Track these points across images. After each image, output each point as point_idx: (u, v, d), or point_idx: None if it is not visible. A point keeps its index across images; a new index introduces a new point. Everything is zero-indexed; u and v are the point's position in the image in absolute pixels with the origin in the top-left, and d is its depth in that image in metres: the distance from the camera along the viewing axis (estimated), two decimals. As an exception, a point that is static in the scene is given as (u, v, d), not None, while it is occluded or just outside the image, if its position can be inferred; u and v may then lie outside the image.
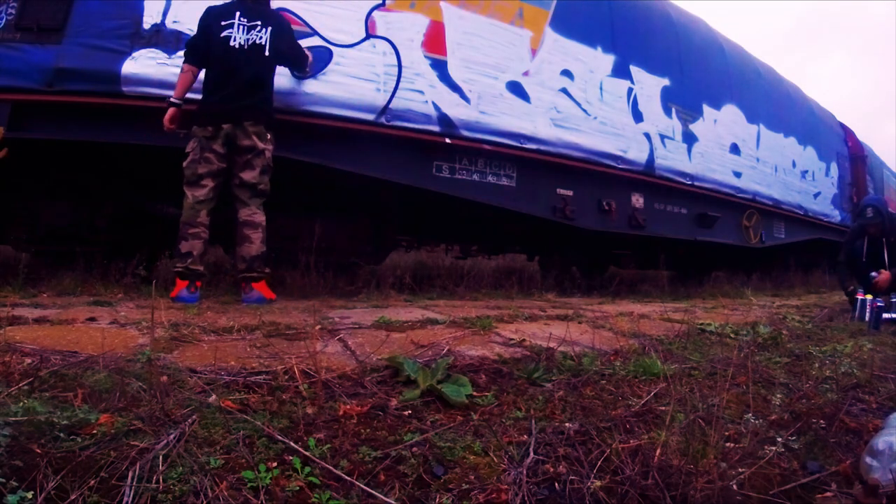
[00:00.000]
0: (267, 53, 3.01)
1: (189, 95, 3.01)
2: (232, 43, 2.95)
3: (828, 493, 1.18)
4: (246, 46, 2.97)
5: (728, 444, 1.26)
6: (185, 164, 2.94)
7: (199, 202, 2.91)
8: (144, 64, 3.10)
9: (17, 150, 2.97)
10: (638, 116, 5.17)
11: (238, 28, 2.98)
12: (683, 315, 3.04)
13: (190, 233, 2.89)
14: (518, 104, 4.25)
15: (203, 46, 2.97)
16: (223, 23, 2.97)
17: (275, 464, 1.08)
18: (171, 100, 2.95)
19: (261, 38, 3.00)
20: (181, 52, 3.15)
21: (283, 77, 3.33)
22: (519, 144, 4.25)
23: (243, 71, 2.96)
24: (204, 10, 3.03)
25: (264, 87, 3.05)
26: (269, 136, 3.03)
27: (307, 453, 1.12)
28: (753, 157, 6.62)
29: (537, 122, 4.35)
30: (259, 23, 3.01)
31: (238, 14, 3.00)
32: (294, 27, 3.41)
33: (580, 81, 4.68)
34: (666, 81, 5.45)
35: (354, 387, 1.51)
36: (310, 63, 3.31)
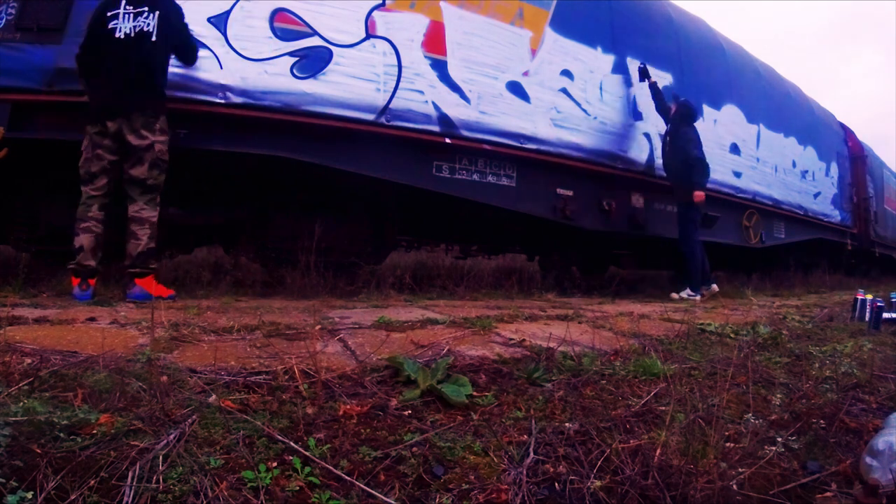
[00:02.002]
0: (154, 39, 2.88)
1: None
2: (117, 34, 2.85)
3: (828, 493, 1.18)
4: (132, 35, 2.86)
5: (728, 444, 1.26)
6: (80, 163, 2.89)
7: (91, 197, 2.88)
8: (144, 64, 3.10)
9: (18, 150, 2.97)
10: (638, 116, 5.17)
11: (123, 17, 2.86)
12: (683, 315, 3.04)
13: (81, 227, 2.85)
14: (518, 104, 4.25)
15: (93, 53, 2.89)
16: (109, 14, 2.87)
17: (275, 464, 1.08)
18: None
19: (148, 24, 2.87)
20: (181, 52, 3.15)
21: (281, 77, 3.33)
22: (519, 144, 4.25)
23: (129, 62, 2.86)
24: (95, 8, 2.93)
25: (153, 76, 2.93)
26: (157, 127, 2.91)
27: (307, 453, 1.12)
28: (753, 157, 6.62)
29: (537, 122, 4.35)
30: (146, 8, 2.89)
31: (123, 2, 2.89)
32: (294, 27, 3.41)
33: (580, 81, 4.68)
34: (666, 81, 5.45)
35: (354, 387, 1.51)
36: (198, 56, 3.14)
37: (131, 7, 2.89)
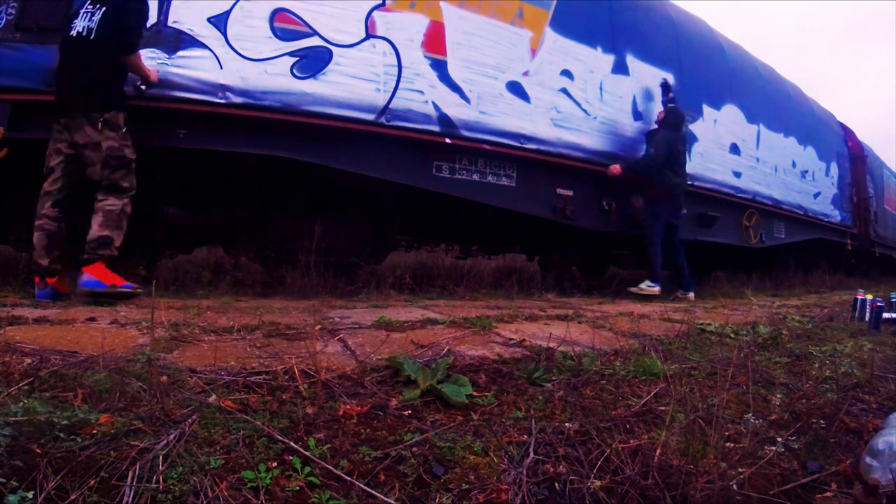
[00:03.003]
0: (93, 37, 2.81)
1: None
2: (72, 33, 2.84)
3: (828, 493, 1.18)
4: (84, 33, 2.82)
5: (728, 444, 1.26)
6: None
7: (45, 193, 2.82)
8: (144, 64, 3.10)
9: (18, 150, 2.97)
10: (638, 116, 5.17)
11: (82, 16, 2.85)
12: (683, 315, 3.04)
13: (35, 224, 2.81)
14: (518, 104, 4.25)
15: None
16: (71, 12, 2.90)
17: (275, 464, 1.08)
18: None
19: (94, 22, 2.83)
20: (181, 52, 3.15)
21: (281, 77, 3.33)
22: (519, 144, 4.25)
23: (78, 60, 2.84)
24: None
25: (101, 73, 2.85)
26: (105, 123, 2.82)
27: (307, 453, 1.12)
28: (753, 157, 6.62)
29: (537, 122, 4.35)
30: (99, 5, 2.85)
31: (87, 3, 2.87)
32: (294, 27, 3.41)
33: (580, 81, 4.68)
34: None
35: (354, 387, 1.51)
36: (134, 53, 2.94)
37: (91, 6, 2.86)
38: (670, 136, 4.94)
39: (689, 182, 5.63)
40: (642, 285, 4.78)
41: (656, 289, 4.76)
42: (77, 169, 2.89)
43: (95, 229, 2.80)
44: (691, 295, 4.88)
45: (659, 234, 4.95)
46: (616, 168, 4.77)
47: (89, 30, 2.83)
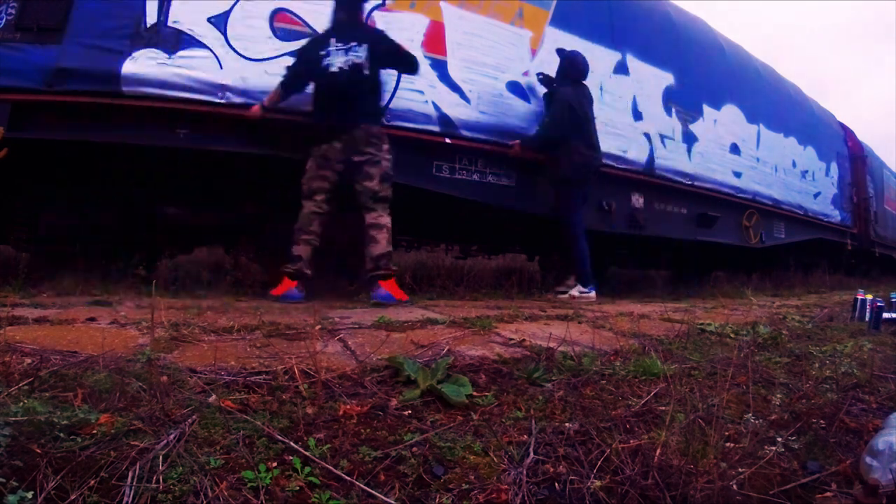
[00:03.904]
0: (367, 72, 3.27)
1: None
2: (332, 69, 3.20)
3: (828, 493, 1.18)
4: (346, 68, 3.21)
5: (728, 444, 1.26)
6: (303, 179, 3.26)
7: (313, 213, 3.27)
8: (144, 64, 3.11)
9: (18, 150, 2.97)
10: (638, 116, 5.17)
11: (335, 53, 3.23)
12: (683, 315, 3.04)
13: (302, 238, 3.21)
14: (518, 104, 4.25)
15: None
16: (321, 52, 3.23)
17: (275, 464, 1.08)
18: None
19: (359, 56, 3.25)
20: (181, 52, 3.16)
21: (281, 77, 3.33)
22: (519, 144, 4.24)
23: (343, 89, 3.24)
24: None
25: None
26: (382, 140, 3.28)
27: (307, 453, 1.12)
28: (753, 157, 6.62)
29: (537, 121, 4.34)
30: (354, 43, 3.25)
31: (332, 40, 3.24)
32: (294, 27, 3.42)
33: (580, 81, 4.67)
34: (666, 81, 5.45)
35: (354, 387, 1.51)
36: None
37: (341, 44, 3.23)
38: (571, 93, 4.13)
39: (690, 182, 5.64)
40: (573, 291, 4.12)
41: (592, 294, 4.11)
42: (335, 187, 3.25)
43: (384, 245, 3.21)
44: (593, 294, 4.12)
45: (581, 224, 4.25)
46: (516, 147, 4.11)
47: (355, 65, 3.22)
